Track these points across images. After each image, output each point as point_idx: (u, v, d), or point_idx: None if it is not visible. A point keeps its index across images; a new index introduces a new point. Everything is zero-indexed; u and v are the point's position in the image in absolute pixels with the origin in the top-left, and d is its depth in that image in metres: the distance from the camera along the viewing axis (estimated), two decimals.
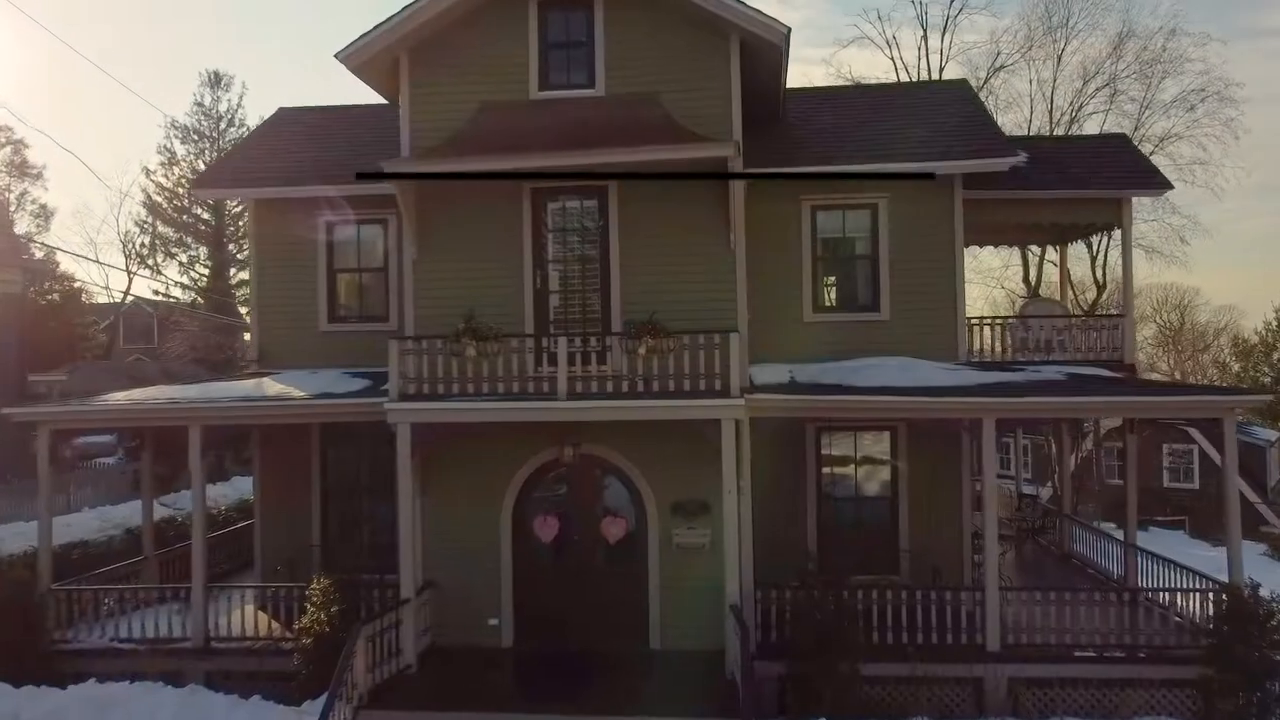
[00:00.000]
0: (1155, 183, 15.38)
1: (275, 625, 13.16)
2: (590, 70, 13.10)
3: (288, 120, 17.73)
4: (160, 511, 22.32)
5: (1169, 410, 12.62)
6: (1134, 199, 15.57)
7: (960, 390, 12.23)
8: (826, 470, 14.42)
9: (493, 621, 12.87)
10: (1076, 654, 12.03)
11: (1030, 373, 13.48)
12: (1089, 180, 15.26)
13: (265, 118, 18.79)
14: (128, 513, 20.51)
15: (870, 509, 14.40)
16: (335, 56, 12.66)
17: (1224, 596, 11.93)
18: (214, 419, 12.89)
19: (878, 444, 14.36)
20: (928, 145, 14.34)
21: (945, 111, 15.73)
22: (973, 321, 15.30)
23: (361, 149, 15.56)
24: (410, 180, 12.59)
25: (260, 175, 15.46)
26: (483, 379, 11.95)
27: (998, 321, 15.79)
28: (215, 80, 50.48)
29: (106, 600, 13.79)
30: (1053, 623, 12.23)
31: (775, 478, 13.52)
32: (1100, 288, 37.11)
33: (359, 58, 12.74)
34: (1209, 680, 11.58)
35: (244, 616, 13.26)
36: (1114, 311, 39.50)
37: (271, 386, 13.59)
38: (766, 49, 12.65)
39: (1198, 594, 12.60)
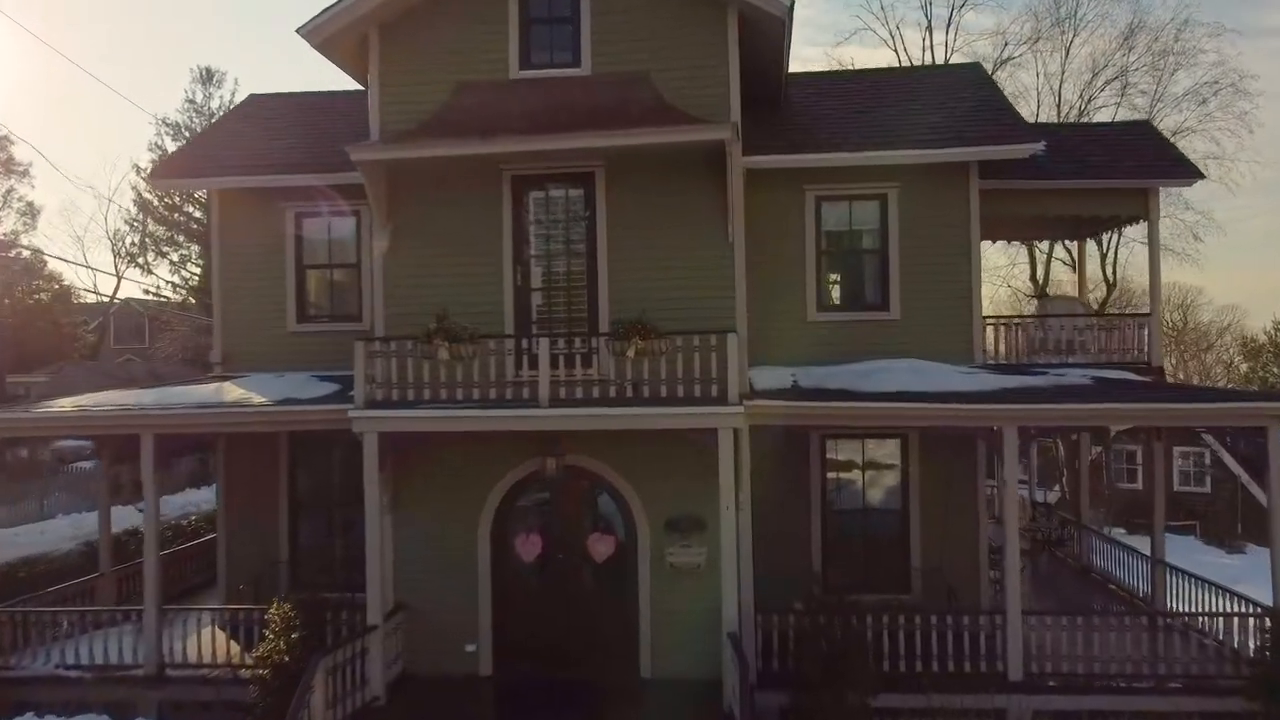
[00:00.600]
0: (1184, 171, 14.33)
1: (237, 650, 12.15)
2: (575, 48, 12.06)
3: (258, 107, 16.70)
4: (135, 519, 21.43)
5: (1209, 418, 11.57)
6: (1161, 190, 14.48)
7: (980, 396, 11.21)
8: (832, 479, 13.42)
9: (470, 648, 11.83)
10: (1106, 684, 11.01)
11: (1053, 376, 12.45)
12: (1113, 169, 14.23)
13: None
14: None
15: (879, 522, 13.38)
16: (297, 32, 11.64)
17: (1268, 622, 10.91)
18: (167, 427, 11.87)
19: (887, 452, 13.33)
20: (940, 131, 13.31)
21: (958, 96, 14.68)
22: (989, 321, 14.28)
23: (336, 137, 14.51)
24: (379, 167, 11.56)
25: (224, 164, 14.40)
26: (457, 384, 10.92)
27: (1015, 321, 14.76)
28: (207, 76, 49.28)
29: (61, 622, 12.78)
30: (1080, 650, 11.21)
31: (776, 489, 12.48)
32: (1110, 286, 36.04)
33: (323, 33, 11.71)
34: (1253, 715, 10.57)
35: (201, 640, 12.20)
36: (1132, 310, 38.56)
37: (232, 391, 12.56)
38: (767, 23, 11.62)
39: (1238, 619, 11.56)
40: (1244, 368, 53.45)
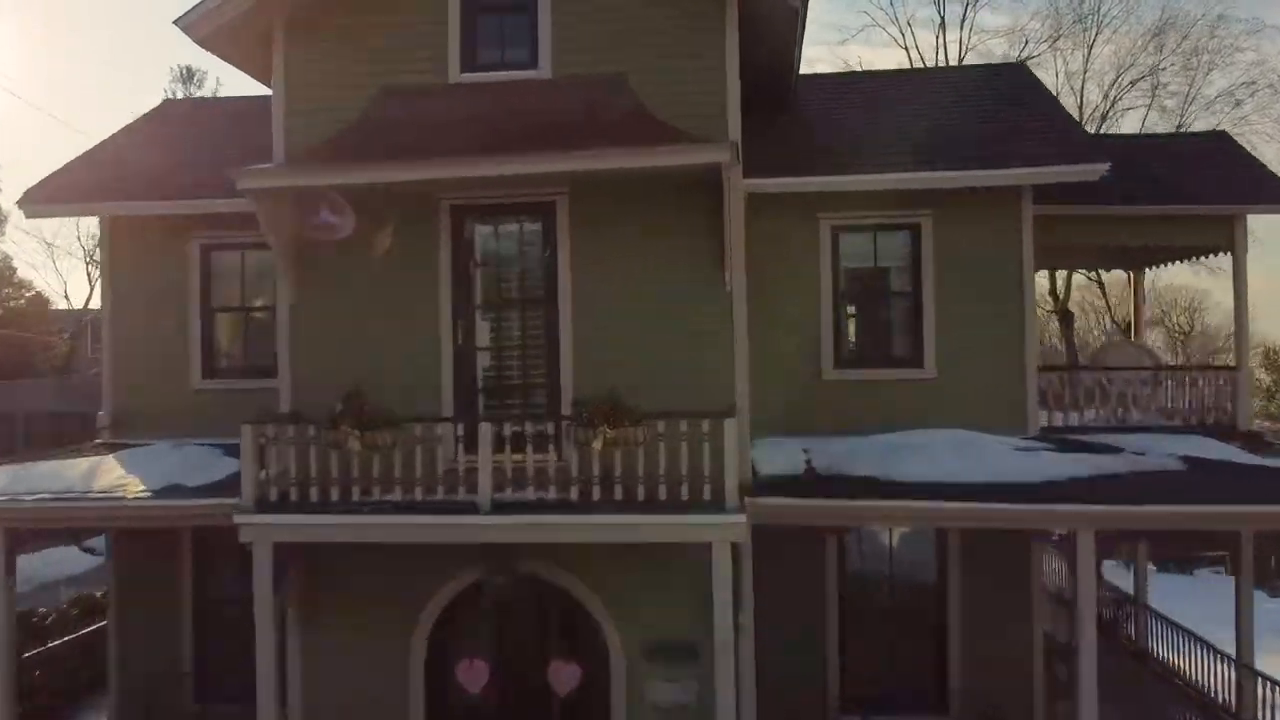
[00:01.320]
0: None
1: None
2: (533, 44, 9.58)
3: (173, 115, 14.23)
4: (89, 562, 19.74)
5: None
6: (1249, 216, 12.00)
7: (1046, 491, 8.74)
8: (854, 573, 10.96)
9: None
10: None
11: (1131, 455, 9.94)
12: (1190, 192, 11.76)
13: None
14: (37, 566, 17.22)
15: (911, 634, 10.88)
16: (175, 23, 9.15)
17: None
18: (15, 522, 9.44)
19: (922, 548, 10.87)
20: (986, 146, 10.87)
21: (1001, 102, 12.21)
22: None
23: (263, 153, 12.04)
24: (279, 198, 9.07)
25: (118, 186, 11.87)
26: (373, 480, 8.45)
27: (1072, 375, 12.27)
28: (188, 76, 47.04)
29: None
30: None
31: (784, 595, 10.06)
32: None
33: (206, 26, 9.21)
34: None
35: None
36: (1172, 329, 35.92)
37: (108, 473, 10.06)
38: (773, 8, 9.13)
39: None
40: (1267, 380, 51.07)
